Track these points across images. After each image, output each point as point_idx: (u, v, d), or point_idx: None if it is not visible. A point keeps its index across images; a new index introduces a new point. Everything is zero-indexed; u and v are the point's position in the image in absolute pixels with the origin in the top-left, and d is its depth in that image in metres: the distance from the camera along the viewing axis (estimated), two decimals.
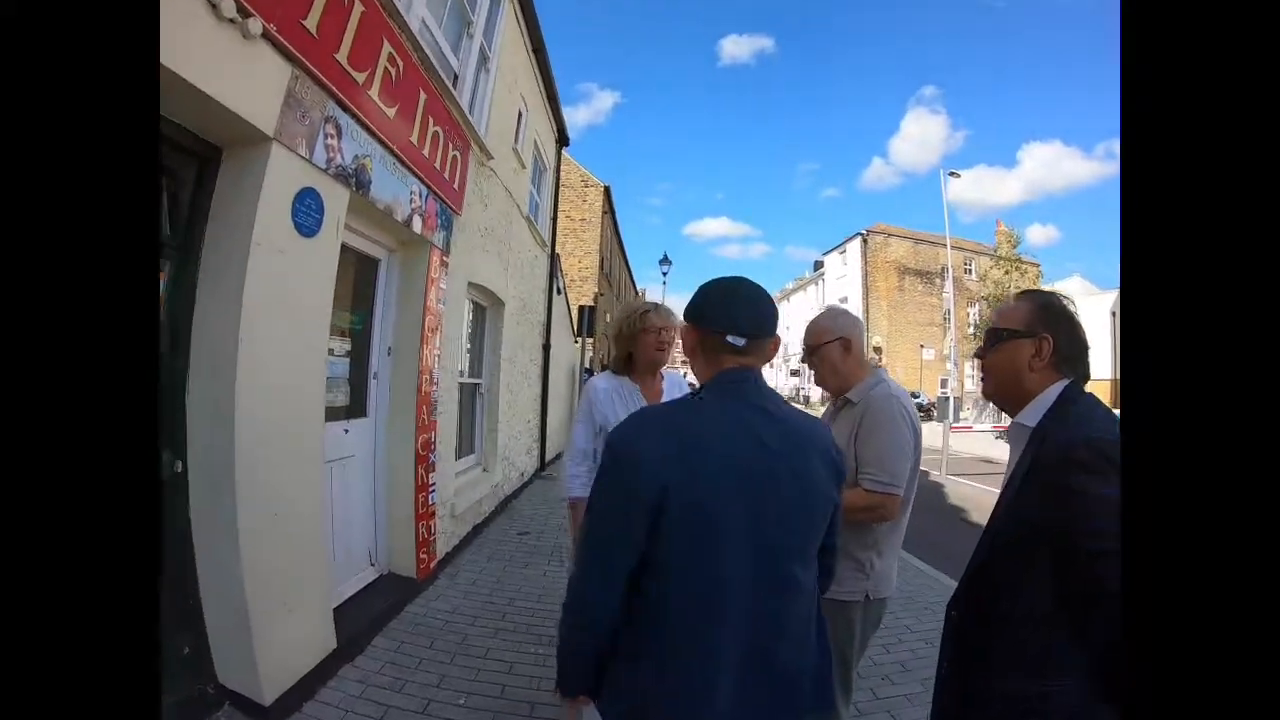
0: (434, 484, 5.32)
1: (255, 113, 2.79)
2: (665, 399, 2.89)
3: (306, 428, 3.41)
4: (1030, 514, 1.39)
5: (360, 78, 3.53)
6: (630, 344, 2.92)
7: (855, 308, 46.11)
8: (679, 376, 3.19)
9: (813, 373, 2.55)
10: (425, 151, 4.58)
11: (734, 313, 1.48)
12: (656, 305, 2.97)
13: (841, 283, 50.24)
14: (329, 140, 3.32)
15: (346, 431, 4.49)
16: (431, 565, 5.24)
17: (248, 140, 2.90)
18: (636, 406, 2.79)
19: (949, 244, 34.13)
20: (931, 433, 24.63)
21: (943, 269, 43.30)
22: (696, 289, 1.57)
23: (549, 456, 11.62)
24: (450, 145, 5.08)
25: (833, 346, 2.45)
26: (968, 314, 42.98)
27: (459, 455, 6.80)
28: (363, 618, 4.11)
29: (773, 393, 1.52)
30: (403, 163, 4.26)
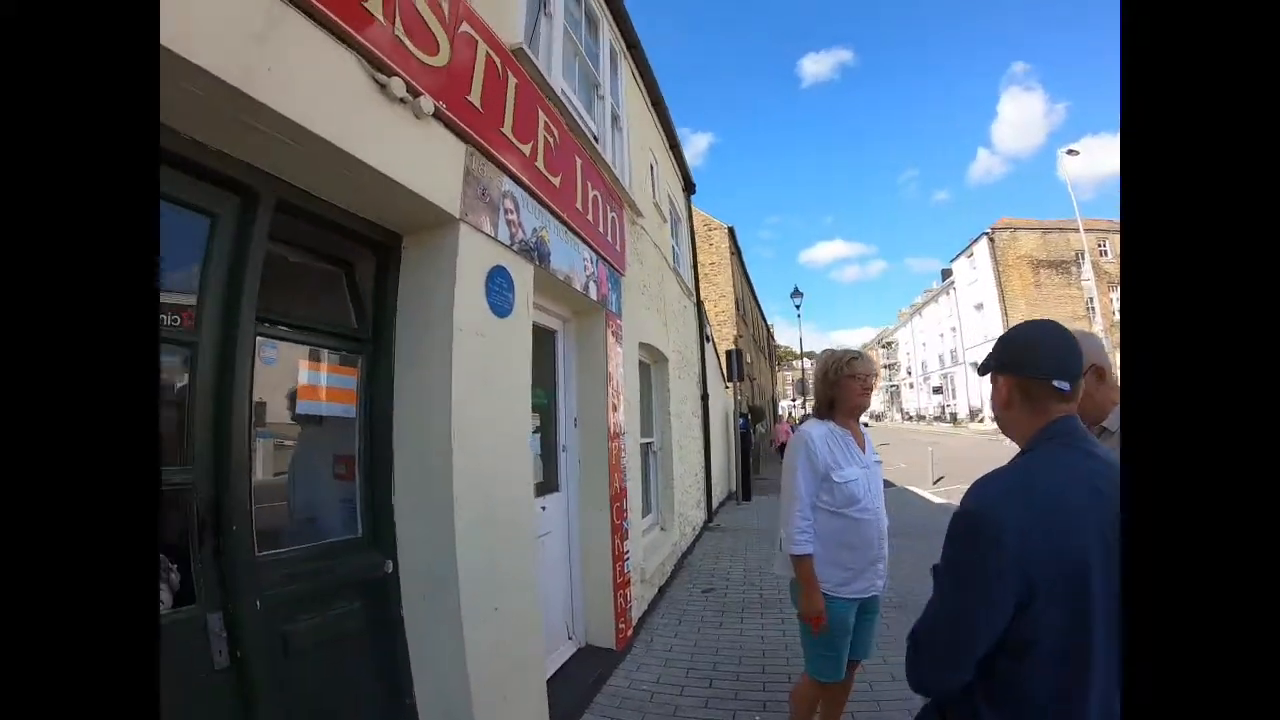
0: (628, 551, 5.16)
1: (440, 194, 2.72)
2: (868, 443, 2.98)
3: (520, 509, 3.30)
4: None
5: (526, 149, 3.47)
6: (834, 389, 2.93)
7: (992, 312, 44.07)
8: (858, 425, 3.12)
9: None
10: (590, 216, 4.52)
11: (1057, 356, 1.42)
12: (860, 352, 3.01)
13: (974, 288, 48.14)
14: (509, 215, 3.24)
15: (544, 509, 4.38)
16: (629, 634, 5.04)
17: (433, 224, 2.84)
18: (852, 451, 2.88)
19: (1081, 227, 31.70)
20: None
21: (1077, 255, 40.72)
22: (1001, 341, 1.52)
23: (715, 506, 11.40)
24: (608, 207, 5.00)
25: (1086, 377, 2.12)
26: (1110, 299, 40.30)
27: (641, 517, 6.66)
28: (569, 696, 3.91)
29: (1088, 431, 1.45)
30: (574, 231, 4.19)
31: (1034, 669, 1.25)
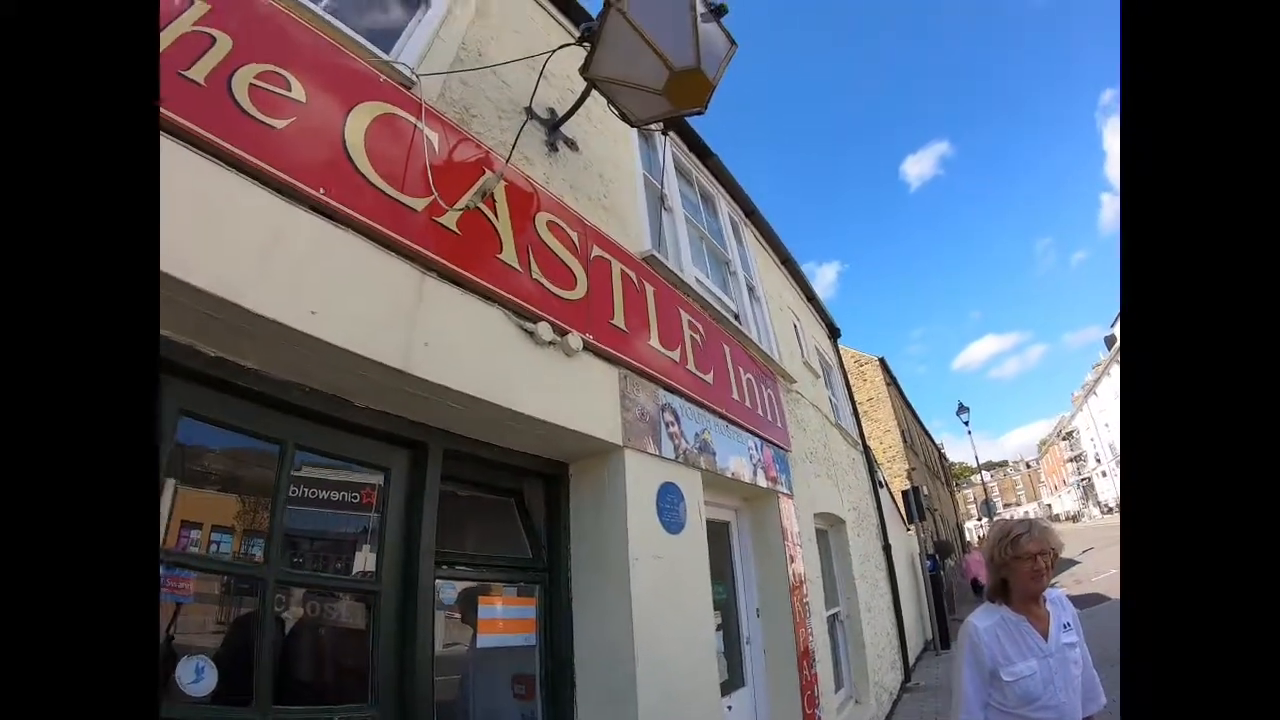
0: None
1: (599, 426, 2.75)
2: (1054, 624, 2.51)
3: (708, 714, 3.09)
4: None
5: (675, 354, 3.47)
6: (1004, 571, 2.54)
7: None
8: (1060, 594, 2.66)
9: None
10: (747, 403, 4.46)
11: None
12: (1031, 524, 2.54)
13: None
14: (670, 429, 3.20)
15: (730, 708, 4.00)
16: None
17: (597, 451, 2.85)
18: (1029, 642, 2.46)
19: None
20: None
21: None
22: None
23: (912, 663, 10.34)
24: (763, 386, 4.93)
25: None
26: None
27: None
28: None
29: None
30: (734, 423, 4.13)
31: None
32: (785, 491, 4.91)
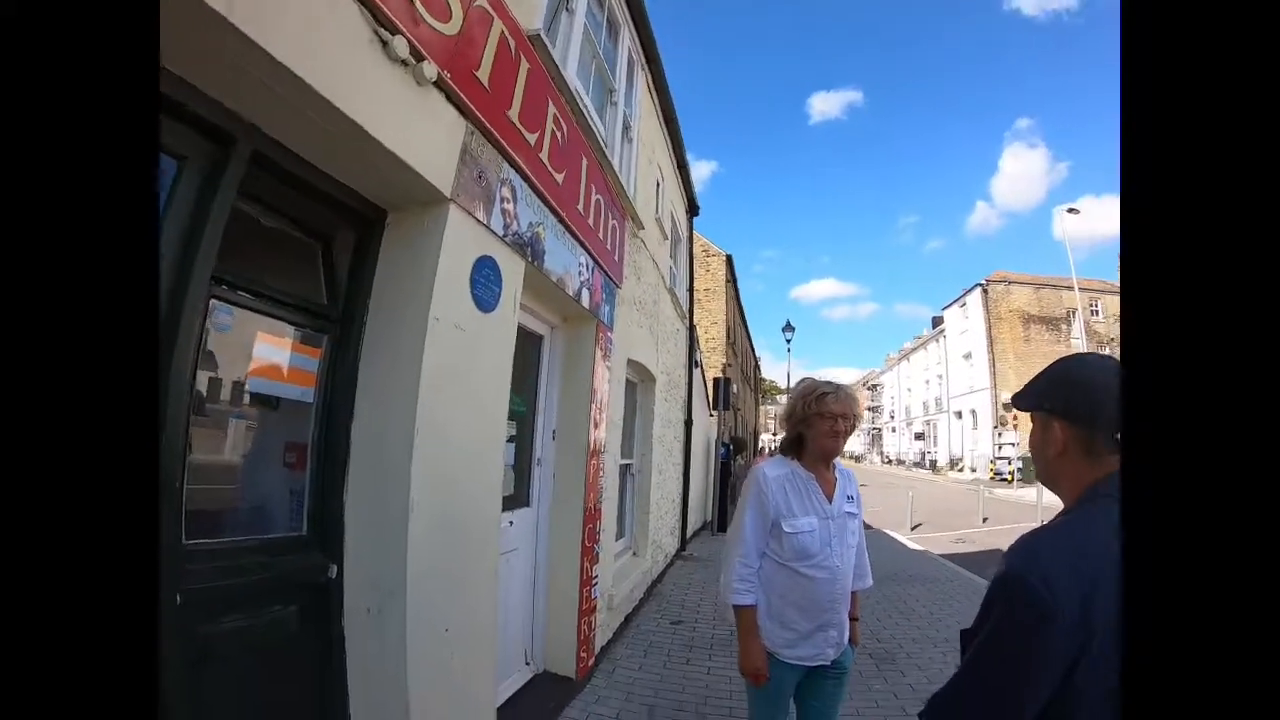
0: (597, 576, 4.89)
1: (432, 169, 2.50)
2: (839, 491, 2.57)
3: (485, 523, 3.03)
4: None
5: (532, 139, 3.26)
6: (802, 426, 2.56)
7: (980, 362, 44.67)
8: (849, 470, 2.72)
9: None
10: (590, 221, 4.31)
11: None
12: (839, 387, 2.57)
13: (964, 338, 48.28)
14: (505, 205, 3.03)
15: (511, 524, 4.10)
16: (590, 663, 4.76)
17: (422, 201, 2.62)
18: (813, 499, 2.51)
19: (1076, 286, 32.89)
20: None
21: (1069, 313, 41.82)
22: (1058, 376, 1.33)
23: (689, 535, 11.17)
24: (611, 215, 4.81)
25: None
26: None
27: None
28: None
29: None
30: (572, 232, 3.98)
31: None
32: (606, 323, 4.88)
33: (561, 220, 3.76)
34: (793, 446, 2.60)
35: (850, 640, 2.60)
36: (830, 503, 2.52)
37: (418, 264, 2.61)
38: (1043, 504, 16.73)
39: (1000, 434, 40.76)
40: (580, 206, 4.08)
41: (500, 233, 2.99)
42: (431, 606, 2.58)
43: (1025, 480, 29.51)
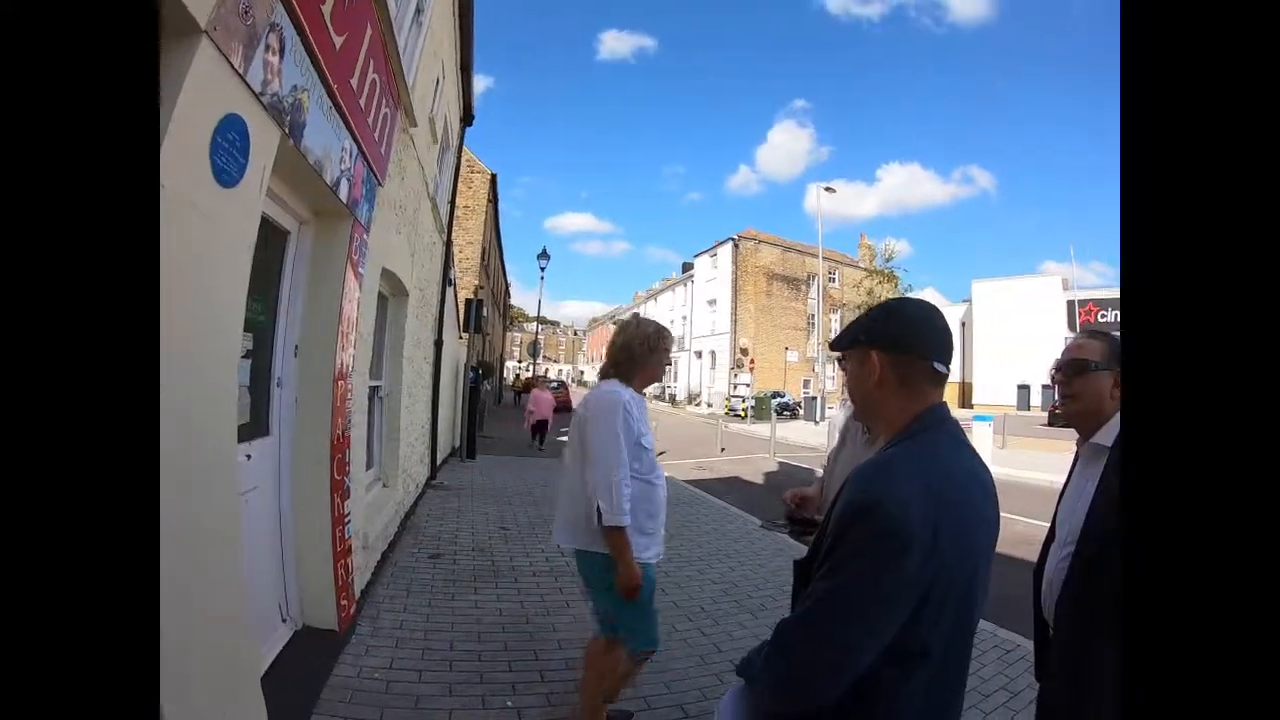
0: (349, 514, 4.34)
1: None
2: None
3: (219, 462, 2.42)
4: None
5: None
6: (644, 359, 2.94)
7: (723, 309, 48.02)
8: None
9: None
10: (362, 102, 3.61)
11: (941, 338, 1.36)
12: (664, 330, 3.06)
13: (711, 285, 51.49)
14: (269, 56, 2.35)
15: (249, 457, 3.37)
16: (352, 611, 4.29)
17: (166, 29, 1.87)
18: (647, 418, 2.88)
19: (821, 255, 36.13)
20: (800, 430, 25.70)
21: (809, 277, 46.30)
22: (877, 313, 1.43)
23: (439, 462, 10.79)
24: (384, 101, 4.12)
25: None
26: (830, 319, 45.87)
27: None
28: (291, 695, 3.14)
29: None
30: (340, 109, 3.28)
31: (921, 682, 1.18)
32: (363, 223, 4.22)
33: (331, 93, 3.08)
34: (628, 375, 2.93)
35: None
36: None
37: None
38: (775, 439, 18.23)
39: (736, 375, 44.87)
40: (354, 82, 3.39)
41: (258, 89, 2.30)
42: (164, 563, 1.97)
43: (758, 417, 32.16)
